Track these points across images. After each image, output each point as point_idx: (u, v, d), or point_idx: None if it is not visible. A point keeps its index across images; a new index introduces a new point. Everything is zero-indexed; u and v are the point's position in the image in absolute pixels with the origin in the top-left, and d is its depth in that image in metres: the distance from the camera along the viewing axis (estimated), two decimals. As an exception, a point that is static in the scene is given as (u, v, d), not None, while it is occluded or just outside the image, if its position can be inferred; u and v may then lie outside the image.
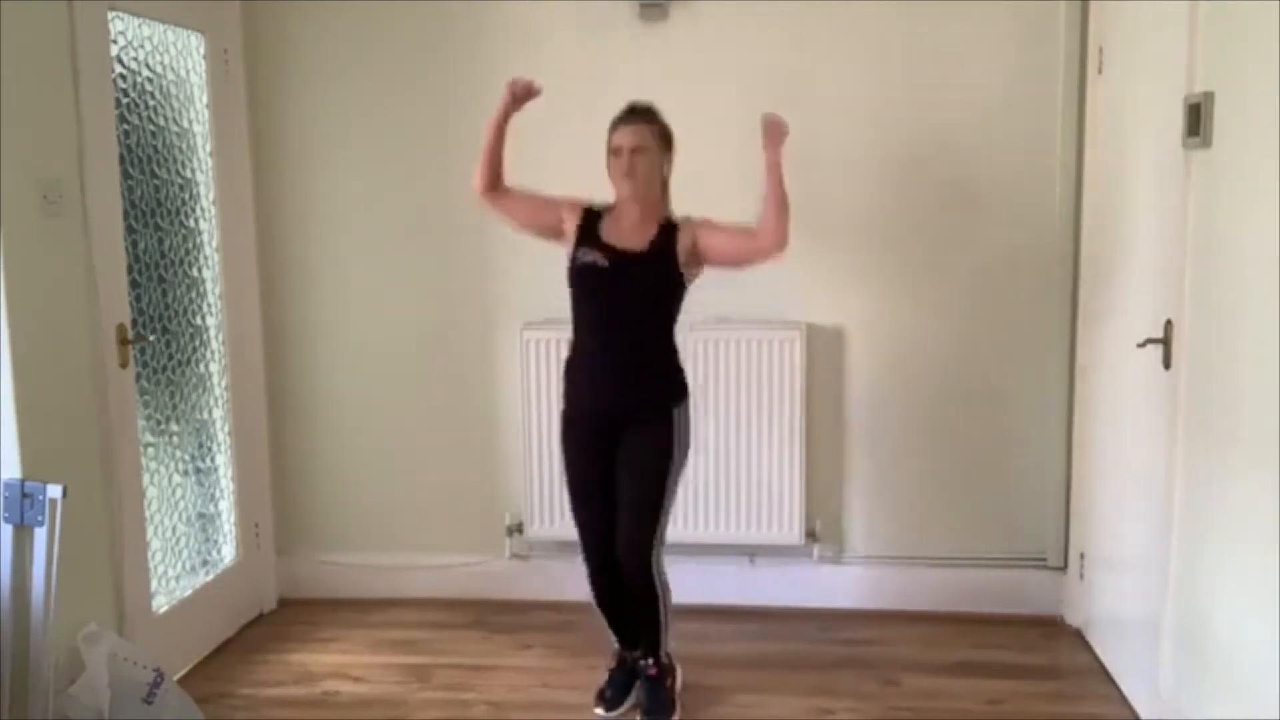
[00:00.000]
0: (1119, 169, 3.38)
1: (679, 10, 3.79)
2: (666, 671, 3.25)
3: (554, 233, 3.14)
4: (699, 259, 3.04)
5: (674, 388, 3.09)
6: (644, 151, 3.01)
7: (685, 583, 3.89)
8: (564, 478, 3.23)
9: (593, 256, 3.00)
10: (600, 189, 3.89)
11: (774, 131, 2.96)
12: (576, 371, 3.12)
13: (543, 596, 4.02)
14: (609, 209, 3.11)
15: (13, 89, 2.74)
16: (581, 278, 3.03)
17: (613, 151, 3.04)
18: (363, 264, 4.03)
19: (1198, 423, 2.72)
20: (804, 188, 3.49)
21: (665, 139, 3.07)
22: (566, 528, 3.96)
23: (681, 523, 3.70)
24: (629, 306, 3.02)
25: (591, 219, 3.08)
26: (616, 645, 3.32)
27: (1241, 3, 2.48)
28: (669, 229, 3.04)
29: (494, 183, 3.13)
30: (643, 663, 3.23)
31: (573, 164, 3.93)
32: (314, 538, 4.16)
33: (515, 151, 3.94)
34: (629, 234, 3.03)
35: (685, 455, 3.11)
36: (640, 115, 3.06)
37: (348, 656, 3.67)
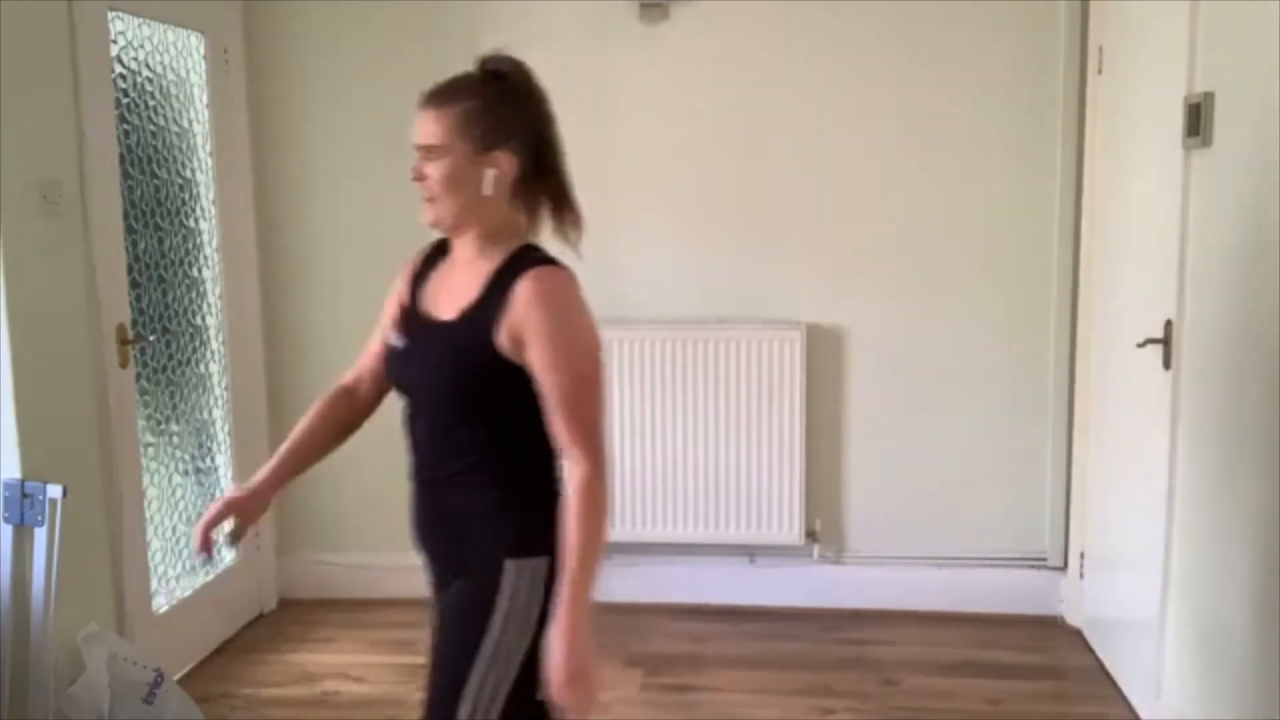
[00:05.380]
0: (1119, 169, 3.38)
1: (679, 10, 3.79)
2: None
3: None
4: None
5: None
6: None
7: (685, 583, 3.91)
8: None
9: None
10: (600, 196, 3.92)
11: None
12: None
13: (543, 596, 4.02)
14: None
15: (13, 89, 2.74)
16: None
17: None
18: (363, 264, 4.02)
19: (1198, 423, 2.72)
20: (804, 188, 3.51)
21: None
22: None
23: (681, 523, 3.70)
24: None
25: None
26: None
27: (1241, 3, 2.48)
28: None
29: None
30: None
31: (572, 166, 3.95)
32: (314, 538, 4.16)
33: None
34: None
35: None
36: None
37: (348, 656, 3.67)
